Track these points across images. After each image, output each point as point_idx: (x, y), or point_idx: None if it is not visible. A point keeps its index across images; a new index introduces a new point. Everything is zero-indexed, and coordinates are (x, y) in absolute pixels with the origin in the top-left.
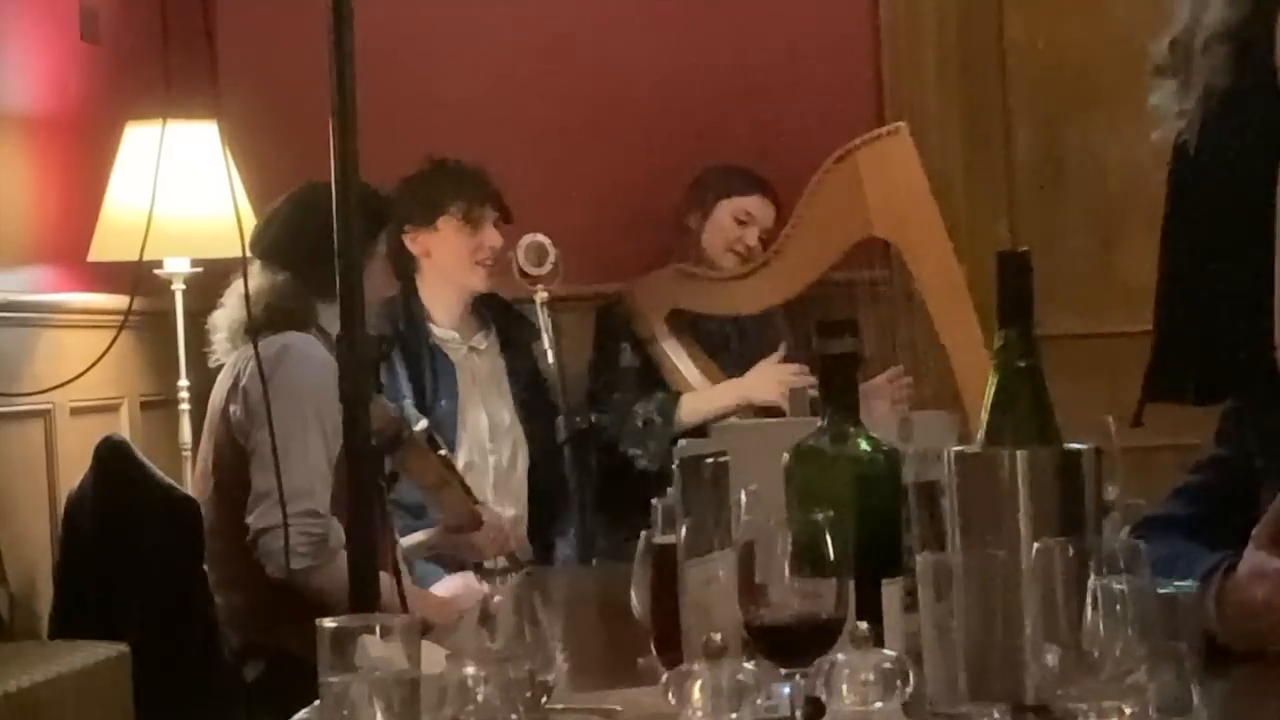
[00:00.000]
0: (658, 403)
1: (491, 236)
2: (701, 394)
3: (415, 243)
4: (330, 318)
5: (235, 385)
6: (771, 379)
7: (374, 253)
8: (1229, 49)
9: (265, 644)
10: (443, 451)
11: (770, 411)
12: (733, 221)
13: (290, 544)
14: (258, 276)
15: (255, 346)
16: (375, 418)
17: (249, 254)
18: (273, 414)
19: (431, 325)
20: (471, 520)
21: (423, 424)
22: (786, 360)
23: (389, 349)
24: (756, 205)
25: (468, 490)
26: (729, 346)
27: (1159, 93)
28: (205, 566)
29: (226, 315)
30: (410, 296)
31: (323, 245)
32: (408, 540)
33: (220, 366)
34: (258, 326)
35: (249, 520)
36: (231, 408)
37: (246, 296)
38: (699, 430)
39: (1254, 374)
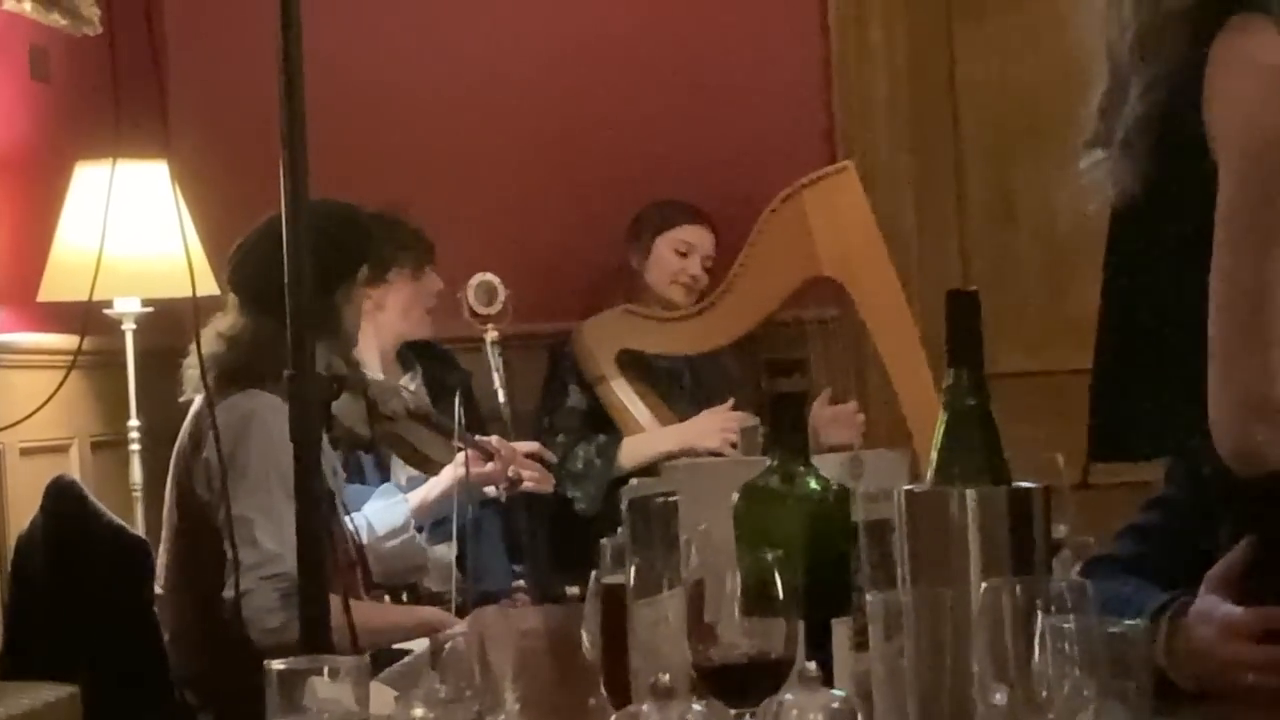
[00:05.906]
0: (598, 445)
1: (435, 282)
2: (643, 438)
3: (368, 298)
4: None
5: (197, 451)
6: (714, 426)
7: (359, 280)
8: (1153, 138)
9: (220, 696)
10: (422, 414)
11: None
12: (673, 254)
13: (260, 605)
14: (233, 315)
15: (214, 416)
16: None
17: (227, 288)
18: (241, 485)
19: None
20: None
21: (406, 398)
22: (737, 409)
23: (340, 389)
24: (693, 234)
25: (448, 437)
26: (682, 386)
27: (1088, 162)
28: (157, 616)
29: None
30: None
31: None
32: (421, 495)
33: (187, 404)
34: (230, 375)
35: (225, 594)
36: (195, 471)
37: (199, 344)
38: (640, 473)
39: (1195, 430)
